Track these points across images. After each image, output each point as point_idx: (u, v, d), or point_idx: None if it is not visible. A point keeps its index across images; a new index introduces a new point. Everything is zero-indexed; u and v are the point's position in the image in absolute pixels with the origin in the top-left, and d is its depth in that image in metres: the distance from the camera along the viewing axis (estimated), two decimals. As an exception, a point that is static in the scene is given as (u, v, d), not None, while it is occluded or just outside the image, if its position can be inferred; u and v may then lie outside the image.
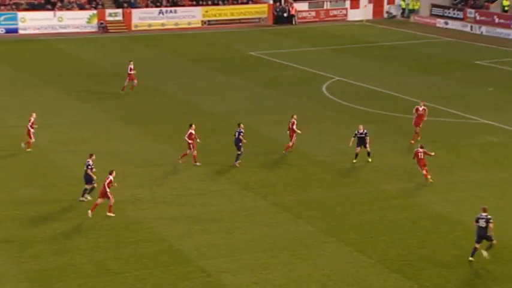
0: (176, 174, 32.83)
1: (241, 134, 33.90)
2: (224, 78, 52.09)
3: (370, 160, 34.39)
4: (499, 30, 70.05)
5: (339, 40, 68.68)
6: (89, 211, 28.22)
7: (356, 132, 34.35)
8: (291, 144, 35.41)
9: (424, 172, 31.87)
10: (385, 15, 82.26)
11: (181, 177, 32.23)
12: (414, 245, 26.26)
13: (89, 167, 29.49)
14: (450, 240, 26.59)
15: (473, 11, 74.83)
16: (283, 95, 47.42)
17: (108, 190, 27.94)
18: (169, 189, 31.30)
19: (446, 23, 75.48)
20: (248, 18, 76.60)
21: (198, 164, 33.70)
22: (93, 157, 29.98)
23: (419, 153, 31.93)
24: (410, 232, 27.33)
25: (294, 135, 35.33)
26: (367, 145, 34.30)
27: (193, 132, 33.57)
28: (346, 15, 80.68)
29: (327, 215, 28.94)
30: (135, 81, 46.96)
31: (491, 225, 24.46)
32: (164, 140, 37.61)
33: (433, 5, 79.77)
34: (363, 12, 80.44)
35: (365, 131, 34.27)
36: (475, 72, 54.49)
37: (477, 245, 24.69)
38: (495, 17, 72.50)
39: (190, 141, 33.45)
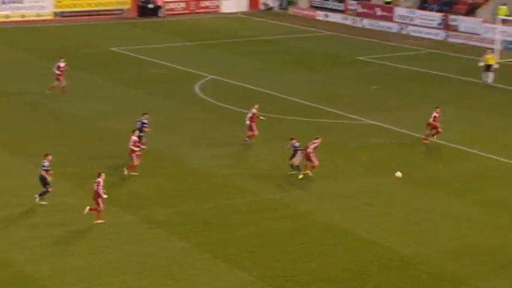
0: (27, 189, 31.23)
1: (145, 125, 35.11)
2: (83, 77, 50.68)
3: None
4: (382, 23, 71.71)
5: (211, 34, 68.41)
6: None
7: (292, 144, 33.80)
8: (257, 133, 37.10)
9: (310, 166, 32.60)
10: (262, 7, 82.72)
11: (35, 191, 30.77)
12: (300, 258, 26.12)
13: (44, 168, 29.81)
14: (338, 252, 26.61)
15: (354, 2, 76.30)
16: (151, 96, 46.62)
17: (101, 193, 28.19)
18: (20, 205, 29.90)
19: (327, 16, 76.64)
20: (108, 10, 75.14)
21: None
22: (49, 157, 30.04)
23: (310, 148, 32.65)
24: (296, 244, 27.18)
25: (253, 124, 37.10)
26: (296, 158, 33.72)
27: None
28: (218, 7, 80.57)
29: (203, 229, 28.40)
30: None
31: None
32: (7, 149, 36.10)
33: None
34: (238, 4, 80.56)
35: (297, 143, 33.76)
36: (358, 69, 55.40)
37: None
38: (377, 9, 74.20)
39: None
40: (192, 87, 49.27)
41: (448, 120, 42.37)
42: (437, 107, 38.16)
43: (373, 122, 41.98)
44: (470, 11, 68.27)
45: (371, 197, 31.63)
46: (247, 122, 37.60)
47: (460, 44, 64.01)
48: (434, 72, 53.88)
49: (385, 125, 41.29)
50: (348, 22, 74.40)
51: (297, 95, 46.82)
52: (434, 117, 37.56)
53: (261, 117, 37.94)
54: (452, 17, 68.04)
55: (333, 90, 49.19)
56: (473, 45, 62.81)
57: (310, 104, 41.55)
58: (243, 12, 80.00)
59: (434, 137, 37.82)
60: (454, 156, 36.51)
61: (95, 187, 28.73)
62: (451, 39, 65.31)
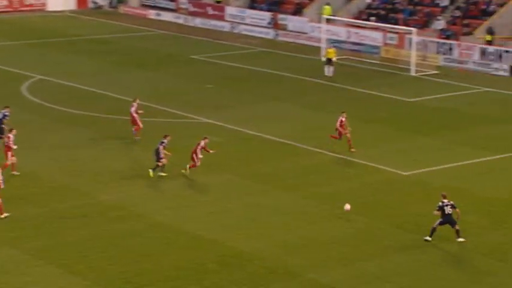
0: None
1: None
2: None
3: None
4: (213, 22, 72.34)
5: (38, 33, 66.82)
6: None
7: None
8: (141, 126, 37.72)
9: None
10: (91, 5, 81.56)
11: None
12: (135, 259, 25.99)
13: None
14: (174, 251, 26.68)
15: (186, 1, 76.56)
16: (-25, 98, 44.99)
17: None
18: None
19: (159, 14, 76.48)
20: None
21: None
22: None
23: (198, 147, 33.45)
24: (131, 246, 27.02)
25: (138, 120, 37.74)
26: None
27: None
28: (44, 4, 78.78)
29: (34, 234, 27.71)
30: None
31: (457, 210, 26.86)
32: None
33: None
34: (65, 2, 79.07)
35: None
36: (192, 68, 55.68)
37: (438, 226, 26.99)
38: (208, 8, 74.78)
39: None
40: (18, 88, 47.94)
41: (280, 117, 43.40)
42: (344, 112, 37.09)
43: (209, 121, 42.31)
44: (298, 11, 70.04)
45: (208, 195, 31.91)
46: (133, 116, 38.16)
47: (290, 42, 65.54)
48: (267, 70, 54.91)
49: (221, 123, 41.71)
50: (180, 21, 74.53)
51: (131, 94, 46.51)
52: (341, 121, 36.76)
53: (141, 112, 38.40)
54: (280, 16, 69.55)
55: (168, 90, 49.17)
56: (302, 44, 64.45)
57: (145, 103, 41.33)
58: (71, 11, 78.57)
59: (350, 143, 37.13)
60: (288, 152, 37.36)
61: None
62: (280, 38, 66.73)
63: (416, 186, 32.95)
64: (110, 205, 30.49)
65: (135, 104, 38.62)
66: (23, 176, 33.20)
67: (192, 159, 33.78)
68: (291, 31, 67.14)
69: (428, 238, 27.24)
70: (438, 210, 27.02)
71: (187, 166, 33.72)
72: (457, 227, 27.02)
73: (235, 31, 70.14)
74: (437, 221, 27.11)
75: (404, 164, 35.35)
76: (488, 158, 36.40)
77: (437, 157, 36.39)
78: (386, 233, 28.31)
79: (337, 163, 35.71)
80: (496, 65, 54.18)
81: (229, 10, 73.14)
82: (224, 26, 71.47)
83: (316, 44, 61.29)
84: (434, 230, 27.17)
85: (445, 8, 62.86)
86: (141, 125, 38.37)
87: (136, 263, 25.72)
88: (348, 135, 36.68)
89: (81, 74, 52.22)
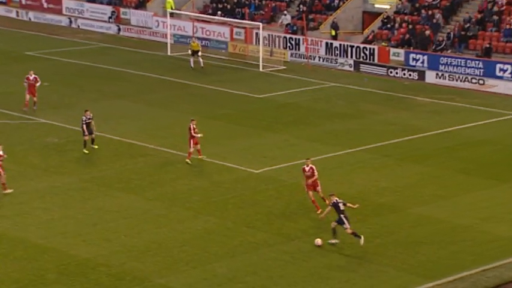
0: None
1: None
2: None
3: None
4: (50, 16, 70.77)
5: None
6: None
7: (83, 118, 35.88)
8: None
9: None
10: None
11: None
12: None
13: None
14: (8, 263, 25.88)
15: (18, -7, 74.70)
16: None
17: None
18: None
19: (-12, 9, 74.22)
20: None
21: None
22: None
23: None
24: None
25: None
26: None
27: None
28: None
29: None
30: None
31: (349, 204, 27.41)
32: None
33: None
34: None
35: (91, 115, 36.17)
36: (27, 65, 54.10)
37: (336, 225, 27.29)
38: (44, 1, 73.08)
39: None
40: None
41: (124, 116, 42.95)
42: (193, 119, 35.75)
43: (46, 121, 41.34)
44: (140, 5, 69.51)
45: (46, 201, 31.13)
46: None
47: (133, 38, 64.97)
48: (109, 67, 54.23)
49: (59, 124, 40.82)
50: (13, 15, 72.56)
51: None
52: (194, 129, 35.29)
53: None
54: (123, 10, 68.84)
55: (3, 89, 47.74)
56: (146, 39, 64.04)
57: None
58: None
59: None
60: (133, 152, 36.95)
61: None
62: (124, 33, 66.07)
63: (267, 183, 33.30)
64: None
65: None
66: None
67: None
68: (134, 26, 66.56)
69: (333, 241, 27.33)
70: (332, 207, 27.21)
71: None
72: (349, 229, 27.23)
73: (74, 26, 68.90)
74: (334, 221, 27.27)
75: (255, 162, 35.66)
76: (338, 153, 37.24)
77: (287, 153, 36.91)
78: (237, 232, 28.46)
79: (185, 162, 35.56)
80: (341, 59, 55.59)
81: (67, 3, 71.75)
82: (62, 20, 70.06)
83: (161, 40, 61.02)
84: (334, 230, 27.36)
85: (290, 2, 64.03)
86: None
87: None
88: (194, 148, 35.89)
89: None
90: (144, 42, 63.18)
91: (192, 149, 35.42)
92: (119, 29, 66.59)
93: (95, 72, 53.32)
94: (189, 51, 54.71)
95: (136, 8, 69.32)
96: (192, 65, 53.96)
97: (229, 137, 39.53)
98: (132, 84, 50.31)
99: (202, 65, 53.84)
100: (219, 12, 64.07)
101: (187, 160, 35.50)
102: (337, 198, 27.48)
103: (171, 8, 63.30)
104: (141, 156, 36.53)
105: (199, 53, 54.08)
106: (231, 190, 32.54)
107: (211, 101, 46.27)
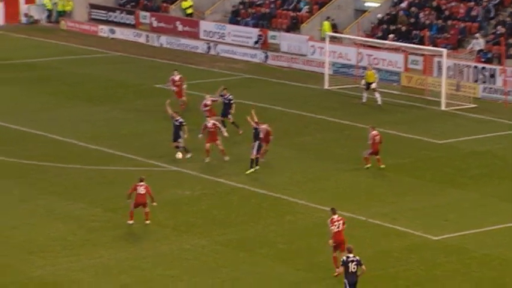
0: None
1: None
2: None
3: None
4: (184, 41, 72.43)
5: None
6: None
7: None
8: None
9: None
10: (24, 20, 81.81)
11: None
12: None
13: None
14: None
15: (148, 14, 76.81)
16: None
17: None
18: None
19: (113, 31, 76.64)
20: None
21: None
22: None
23: None
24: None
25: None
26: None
27: None
28: (-38, 20, 79.36)
29: None
30: None
31: (363, 267, 27.95)
32: None
33: (92, 6, 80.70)
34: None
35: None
36: (157, 100, 55.22)
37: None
38: (178, 23, 74.94)
39: None
40: None
41: (269, 163, 43.35)
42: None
43: (177, 169, 42.31)
44: (293, 26, 69.82)
45: (174, 267, 31.68)
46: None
47: (283, 67, 65.30)
48: (253, 103, 54.92)
49: (191, 172, 41.71)
50: (142, 40, 74.72)
51: (74, 135, 46.61)
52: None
53: None
54: (271, 33, 69.21)
55: (128, 129, 49.18)
56: (299, 69, 64.51)
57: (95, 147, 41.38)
58: (-2, 27, 79.12)
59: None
60: (279, 209, 37.23)
61: None
62: (271, 61, 66.47)
63: (449, 254, 32.86)
64: None
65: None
66: None
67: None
68: (285, 52, 67.28)
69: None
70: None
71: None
72: None
73: (212, 52, 70.33)
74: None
75: (433, 226, 35.38)
76: None
77: (476, 216, 36.45)
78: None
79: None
80: None
81: (205, 26, 73.46)
82: (198, 46, 71.68)
83: (316, 69, 61.29)
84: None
85: (484, 22, 63.22)
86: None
87: None
88: None
89: (6, 109, 52.36)
90: (296, 73, 63.80)
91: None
92: (266, 57, 67.46)
93: (236, 109, 54.02)
94: (362, 83, 55.35)
95: (287, 30, 70.07)
96: (364, 100, 54.62)
97: (399, 194, 39.30)
98: (280, 123, 50.53)
99: (379, 102, 54.18)
100: (391, 36, 63.89)
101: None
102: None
103: (329, 31, 63.69)
104: (289, 214, 36.73)
105: (374, 85, 54.35)
106: (402, 261, 32.25)
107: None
